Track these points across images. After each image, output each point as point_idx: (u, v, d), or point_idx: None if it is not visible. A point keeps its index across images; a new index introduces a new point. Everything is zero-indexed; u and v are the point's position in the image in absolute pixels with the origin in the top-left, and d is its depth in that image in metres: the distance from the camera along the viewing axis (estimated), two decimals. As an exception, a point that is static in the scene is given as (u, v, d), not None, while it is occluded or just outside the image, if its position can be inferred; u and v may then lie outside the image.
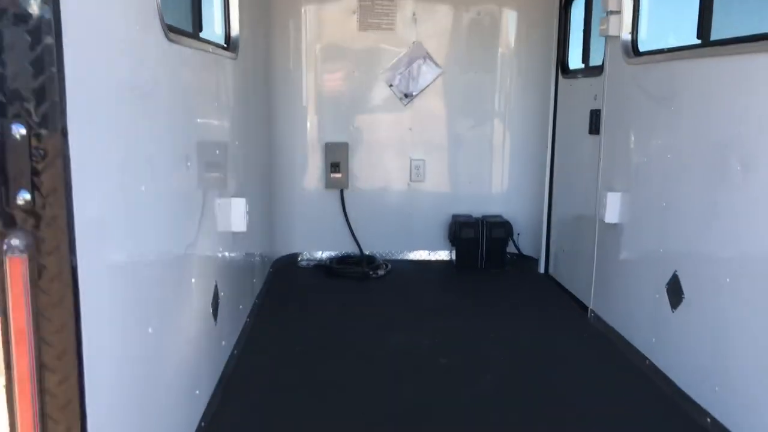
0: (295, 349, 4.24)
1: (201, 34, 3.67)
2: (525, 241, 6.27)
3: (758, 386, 2.95)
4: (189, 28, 3.55)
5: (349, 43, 6.08)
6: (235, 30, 4.18)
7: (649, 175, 4.01)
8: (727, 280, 3.12)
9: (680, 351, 3.57)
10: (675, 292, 3.61)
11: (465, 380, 3.81)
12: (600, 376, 3.92)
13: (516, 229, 6.17)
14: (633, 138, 4.25)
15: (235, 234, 3.98)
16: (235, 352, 3.99)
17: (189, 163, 2.96)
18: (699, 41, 3.50)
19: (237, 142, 4.17)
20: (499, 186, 6.40)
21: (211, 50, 3.47)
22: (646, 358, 3.93)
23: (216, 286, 3.50)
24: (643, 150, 4.10)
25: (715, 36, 3.41)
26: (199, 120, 3.23)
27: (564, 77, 5.61)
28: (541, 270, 6.03)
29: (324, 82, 6.13)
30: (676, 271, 3.61)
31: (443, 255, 6.39)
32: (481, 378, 3.84)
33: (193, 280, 3.04)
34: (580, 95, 5.22)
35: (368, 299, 5.33)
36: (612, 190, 4.43)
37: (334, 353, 4.20)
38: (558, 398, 3.61)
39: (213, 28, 4.00)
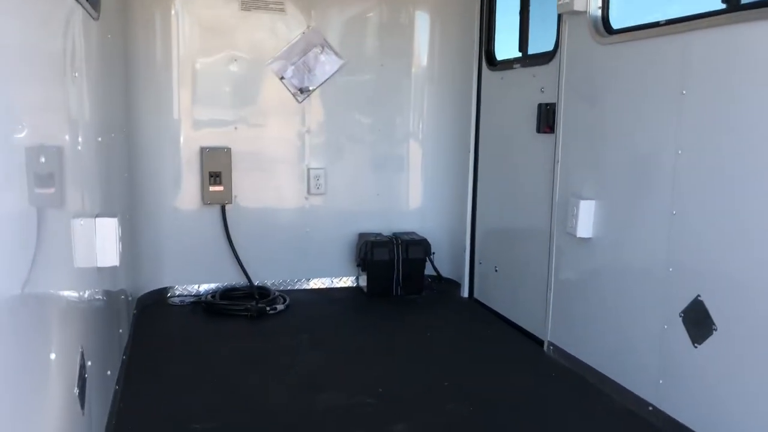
0: (192, 427, 3.02)
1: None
2: (442, 262, 5.39)
3: None
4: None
5: (229, 25, 4.90)
6: (93, -23, 2.93)
7: (641, 176, 3.27)
8: (801, 307, 2.41)
9: (708, 396, 2.82)
10: (699, 322, 2.87)
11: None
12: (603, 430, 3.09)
13: (432, 248, 5.28)
14: (609, 134, 3.51)
15: (100, 271, 2.72)
16: (108, 444, 2.71)
17: (42, 161, 1.74)
18: (724, 5, 2.81)
19: (101, 139, 2.91)
20: (411, 199, 5.48)
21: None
22: (649, 404, 3.17)
23: (82, 355, 2.24)
24: (629, 147, 3.36)
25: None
26: (51, 97, 2.00)
27: (491, 69, 4.83)
28: (465, 294, 5.19)
29: (199, 73, 4.89)
30: (698, 295, 2.87)
31: (348, 281, 5.36)
32: (465, 452, 2.87)
33: (52, 357, 1.79)
34: (518, 89, 4.46)
35: (271, 345, 4.14)
36: (580, 197, 3.67)
37: (247, 430, 3.03)
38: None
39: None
